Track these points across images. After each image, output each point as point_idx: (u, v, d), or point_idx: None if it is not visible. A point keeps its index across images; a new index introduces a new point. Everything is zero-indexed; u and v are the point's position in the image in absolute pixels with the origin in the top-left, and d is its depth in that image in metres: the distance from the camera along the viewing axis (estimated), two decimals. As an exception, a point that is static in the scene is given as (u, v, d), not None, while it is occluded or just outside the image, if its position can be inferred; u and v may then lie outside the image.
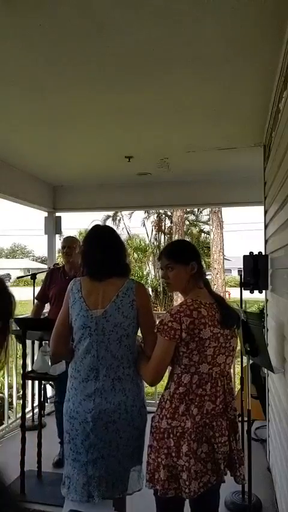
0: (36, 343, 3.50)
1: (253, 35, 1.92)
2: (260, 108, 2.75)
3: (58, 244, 5.27)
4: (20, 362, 3.14)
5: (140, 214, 19.86)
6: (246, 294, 3.14)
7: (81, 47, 2.01)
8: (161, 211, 18.67)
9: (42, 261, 39.24)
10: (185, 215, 18.25)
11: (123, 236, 17.07)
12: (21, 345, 3.11)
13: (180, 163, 4.15)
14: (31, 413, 4.20)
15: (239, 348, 2.06)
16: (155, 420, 1.78)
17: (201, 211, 19.70)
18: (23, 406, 3.07)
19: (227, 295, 14.72)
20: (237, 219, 55.58)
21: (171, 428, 1.70)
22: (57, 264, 4.52)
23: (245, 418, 2.64)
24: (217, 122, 3.04)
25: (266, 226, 3.26)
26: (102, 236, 2.04)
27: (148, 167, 4.23)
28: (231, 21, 1.81)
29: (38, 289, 3.84)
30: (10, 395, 4.31)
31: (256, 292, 3.14)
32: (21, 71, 2.24)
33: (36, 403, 4.17)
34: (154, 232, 19.92)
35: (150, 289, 17.37)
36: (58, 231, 5.36)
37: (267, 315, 3.33)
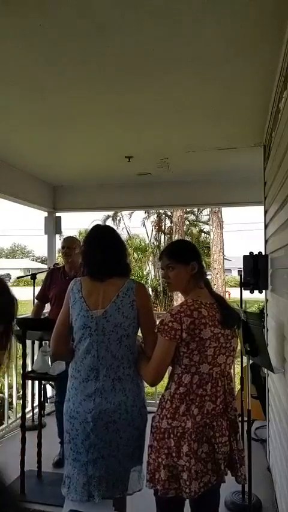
0: (36, 343, 3.50)
1: (253, 35, 1.92)
2: (260, 108, 2.75)
3: (58, 244, 5.27)
4: (20, 362, 3.15)
5: (140, 214, 19.89)
6: (246, 294, 3.14)
7: (81, 47, 2.01)
8: (161, 211, 18.67)
9: (42, 261, 39.23)
10: (185, 215, 18.25)
11: (123, 236, 17.05)
12: (21, 345, 3.11)
13: (180, 163, 4.15)
14: (31, 413, 4.20)
15: (239, 348, 2.06)
16: (156, 420, 1.78)
17: (201, 211, 19.71)
18: (23, 406, 3.07)
19: (227, 295, 14.72)
20: (237, 219, 55.59)
21: (172, 429, 1.70)
22: (57, 264, 4.52)
23: (245, 418, 2.64)
24: (217, 122, 3.04)
25: (266, 226, 3.26)
26: (102, 236, 2.04)
27: (148, 167, 4.23)
28: (231, 21, 1.81)
29: (38, 289, 3.85)
30: (10, 395, 4.31)
31: (256, 292, 3.14)
32: (21, 71, 2.24)
33: (36, 403, 4.17)
34: (154, 232, 19.94)
35: (150, 289, 17.36)
36: (58, 231, 5.36)
37: (267, 315, 3.33)
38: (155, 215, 19.40)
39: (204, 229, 20.49)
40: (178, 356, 1.73)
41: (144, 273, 19.13)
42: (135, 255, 18.53)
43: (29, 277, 4.50)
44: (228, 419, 1.80)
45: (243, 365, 3.05)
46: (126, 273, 2.01)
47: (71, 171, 4.64)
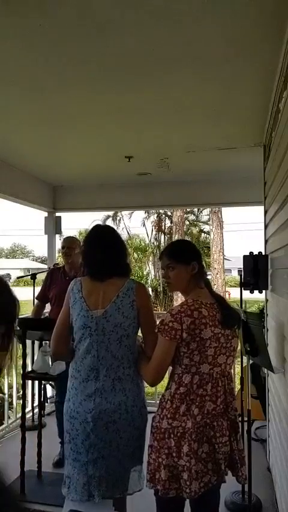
0: (36, 343, 3.50)
1: (253, 35, 1.92)
2: (260, 108, 2.75)
3: (58, 244, 5.27)
4: (20, 362, 3.15)
5: (140, 214, 19.90)
6: (246, 294, 3.14)
7: (81, 47, 2.01)
8: (161, 211, 18.68)
9: (42, 261, 39.23)
10: (185, 215, 18.25)
11: (123, 236, 17.04)
12: (21, 345, 3.11)
13: (180, 163, 4.14)
14: (31, 413, 4.20)
15: (239, 348, 2.06)
16: (156, 420, 1.78)
17: (201, 211, 19.72)
18: (23, 406, 3.07)
19: (227, 295, 14.72)
20: (237, 219, 55.62)
21: (172, 429, 1.70)
22: (57, 264, 4.52)
23: (245, 418, 2.64)
24: (217, 122, 3.04)
25: (266, 226, 3.26)
26: (102, 236, 2.04)
27: (148, 167, 4.23)
28: (231, 21, 1.81)
29: (38, 289, 3.85)
30: (10, 396, 4.31)
31: (256, 292, 3.14)
32: (21, 70, 2.24)
33: (36, 403, 4.17)
34: (154, 232, 19.94)
35: (150, 289, 17.36)
36: (58, 231, 5.36)
37: (267, 315, 3.33)
38: (155, 215, 19.40)
39: (204, 229, 20.50)
40: (178, 356, 1.73)
41: (144, 273, 19.14)
42: (135, 255, 18.54)
43: (29, 277, 4.50)
44: (228, 419, 1.80)
45: (243, 365, 3.05)
46: (126, 273, 2.01)
47: (71, 171, 4.64)
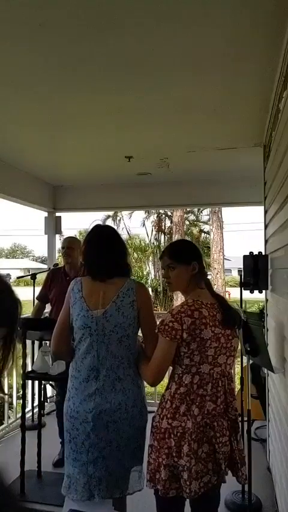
0: (36, 343, 3.50)
1: (253, 35, 1.92)
2: (260, 108, 2.75)
3: (58, 244, 5.27)
4: (20, 362, 3.14)
5: (140, 214, 19.87)
6: (246, 294, 3.14)
7: (81, 47, 2.00)
8: (161, 211, 18.66)
9: (42, 261, 39.24)
10: (185, 215, 18.25)
11: (123, 236, 17.02)
12: (21, 345, 3.11)
13: (180, 163, 4.14)
14: (31, 413, 4.20)
15: (239, 348, 2.06)
16: (156, 420, 1.78)
17: (201, 211, 19.70)
18: (23, 406, 3.07)
19: (227, 295, 14.71)
20: (237, 219, 55.72)
21: (172, 428, 1.70)
22: (57, 264, 4.52)
23: (245, 418, 2.64)
24: (217, 122, 3.04)
25: (266, 226, 3.26)
26: (103, 236, 2.04)
27: (148, 167, 4.23)
28: (231, 22, 1.81)
29: (38, 289, 3.85)
30: (10, 396, 4.31)
31: (256, 292, 3.14)
32: (21, 71, 2.24)
33: (36, 403, 4.17)
34: (154, 232, 19.93)
35: (150, 289, 17.36)
36: (58, 231, 5.36)
37: (267, 315, 3.33)
38: (155, 215, 19.39)
39: (204, 229, 20.48)
40: (179, 356, 1.73)
41: (144, 273, 19.13)
42: (135, 255, 18.53)
43: (29, 277, 4.50)
44: (228, 419, 1.80)
45: (243, 365, 3.05)
46: (126, 273, 2.01)
47: (71, 171, 4.64)
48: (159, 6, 1.69)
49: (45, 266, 7.06)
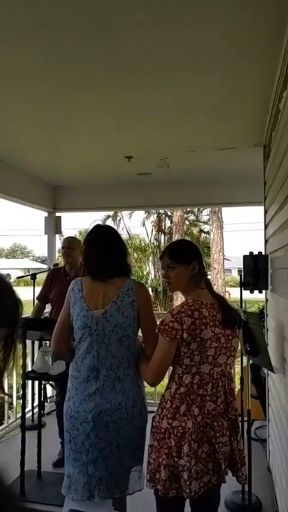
0: (36, 343, 3.50)
1: (253, 35, 1.92)
2: (260, 108, 2.75)
3: (58, 244, 5.27)
4: (20, 362, 3.14)
5: (140, 214, 19.87)
6: (246, 294, 3.14)
7: (81, 47, 2.00)
8: (161, 211, 18.66)
9: (42, 261, 39.23)
10: (185, 215, 18.24)
11: (123, 236, 17.01)
12: (21, 345, 3.10)
13: (180, 163, 4.14)
14: (31, 413, 4.20)
15: (239, 348, 2.06)
16: (156, 420, 1.78)
17: (201, 211, 19.70)
18: (23, 406, 3.07)
19: (227, 295, 14.71)
20: (237, 219, 55.73)
21: (172, 428, 1.70)
22: (57, 264, 4.52)
23: (245, 418, 2.64)
24: (217, 121, 3.04)
25: (266, 226, 3.26)
26: (103, 236, 2.04)
27: (148, 167, 4.23)
28: (231, 22, 1.81)
29: (38, 289, 3.85)
30: (10, 396, 4.31)
31: (256, 292, 3.14)
32: (21, 70, 2.24)
33: (36, 403, 4.17)
34: (154, 232, 19.92)
35: (150, 289, 17.35)
36: (58, 231, 5.36)
37: (267, 315, 3.33)
38: (155, 215, 19.39)
39: (204, 229, 20.48)
40: (179, 356, 1.73)
41: (144, 273, 19.13)
42: (135, 255, 18.53)
43: (29, 277, 4.50)
44: (228, 419, 1.80)
45: (243, 365, 3.05)
46: (126, 273, 2.01)
47: (71, 171, 4.64)
48: (159, 6, 1.69)
49: (45, 266, 7.06)
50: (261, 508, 2.73)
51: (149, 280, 18.58)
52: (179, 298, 13.82)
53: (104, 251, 1.96)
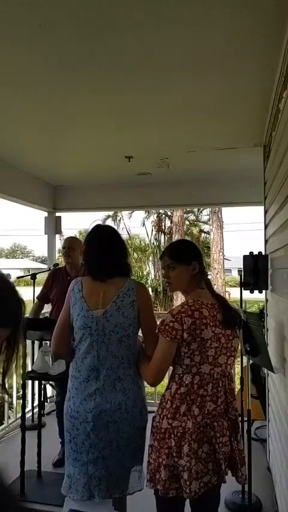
0: (36, 343, 3.50)
1: (253, 35, 1.92)
2: (260, 108, 2.75)
3: (58, 244, 5.27)
4: (20, 362, 3.14)
5: (140, 214, 19.86)
6: (246, 294, 3.14)
7: (81, 47, 2.01)
8: (161, 211, 18.66)
9: (42, 261, 39.22)
10: (185, 215, 18.24)
11: (123, 236, 16.97)
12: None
13: (180, 163, 4.15)
14: (31, 413, 4.20)
15: (239, 348, 2.06)
16: (156, 420, 1.78)
17: (201, 211, 19.70)
18: (23, 406, 3.07)
19: (227, 295, 14.71)
20: (237, 219, 55.71)
21: (172, 429, 1.70)
22: (57, 264, 4.52)
23: (245, 418, 2.64)
24: (217, 122, 3.04)
25: (266, 226, 3.26)
26: (103, 236, 2.04)
27: (148, 167, 4.23)
28: (231, 22, 1.81)
29: (38, 289, 3.85)
30: (10, 395, 4.31)
31: (256, 292, 3.14)
32: (21, 70, 2.24)
33: (36, 403, 4.17)
34: (154, 232, 19.92)
35: (150, 289, 17.35)
36: (58, 231, 5.36)
37: (267, 315, 3.33)
38: (155, 215, 19.38)
39: (204, 229, 20.48)
40: (179, 356, 1.73)
41: (144, 273, 19.13)
42: (135, 255, 18.53)
43: (29, 277, 4.50)
44: (229, 419, 1.80)
45: (243, 365, 3.05)
46: (127, 272, 2.01)
47: (71, 171, 4.64)
48: (159, 6, 1.69)
49: (45, 266, 7.05)
50: (261, 508, 2.73)
51: (149, 280, 18.58)
52: (179, 298, 13.82)
53: (104, 251, 1.96)
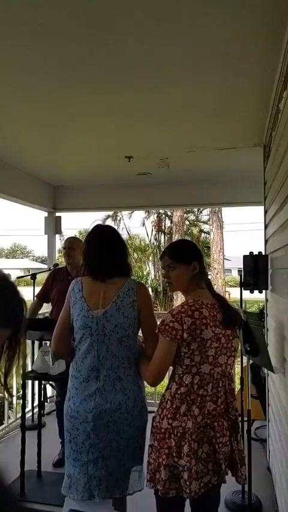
0: (36, 343, 3.50)
1: (253, 35, 1.92)
2: (260, 108, 2.75)
3: (58, 244, 5.27)
4: (21, 362, 3.14)
5: (140, 214, 19.86)
6: (246, 294, 3.14)
7: (81, 47, 2.01)
8: (161, 211, 18.66)
9: (42, 261, 39.20)
10: (185, 215, 18.24)
11: (123, 236, 16.97)
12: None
13: (180, 163, 4.15)
14: (31, 413, 4.20)
15: (239, 348, 2.06)
16: (156, 420, 1.78)
17: (201, 211, 19.70)
18: (23, 406, 3.07)
19: (227, 295, 14.71)
20: (237, 219, 55.71)
21: (172, 429, 1.70)
22: (57, 264, 4.53)
23: (245, 418, 2.64)
24: (217, 122, 3.04)
25: (266, 226, 3.26)
26: (103, 236, 2.04)
27: (148, 167, 4.23)
28: (231, 22, 1.81)
29: (38, 289, 3.84)
30: (12, 395, 4.30)
31: (256, 292, 3.14)
32: (21, 70, 2.24)
33: (36, 403, 4.17)
34: (154, 232, 19.92)
35: (150, 289, 17.35)
36: (58, 231, 5.36)
37: (267, 315, 3.33)
38: (155, 215, 19.38)
39: (204, 229, 20.48)
40: (179, 356, 1.73)
41: (144, 273, 19.13)
42: (135, 255, 18.53)
43: (29, 277, 4.50)
44: (229, 419, 1.80)
45: (243, 365, 3.05)
46: (127, 272, 2.01)
47: (71, 171, 4.64)
48: (159, 6, 1.69)
49: (45, 266, 7.05)
50: (261, 508, 2.73)
51: (149, 280, 18.58)
52: (179, 298, 13.82)
53: (104, 251, 1.96)
